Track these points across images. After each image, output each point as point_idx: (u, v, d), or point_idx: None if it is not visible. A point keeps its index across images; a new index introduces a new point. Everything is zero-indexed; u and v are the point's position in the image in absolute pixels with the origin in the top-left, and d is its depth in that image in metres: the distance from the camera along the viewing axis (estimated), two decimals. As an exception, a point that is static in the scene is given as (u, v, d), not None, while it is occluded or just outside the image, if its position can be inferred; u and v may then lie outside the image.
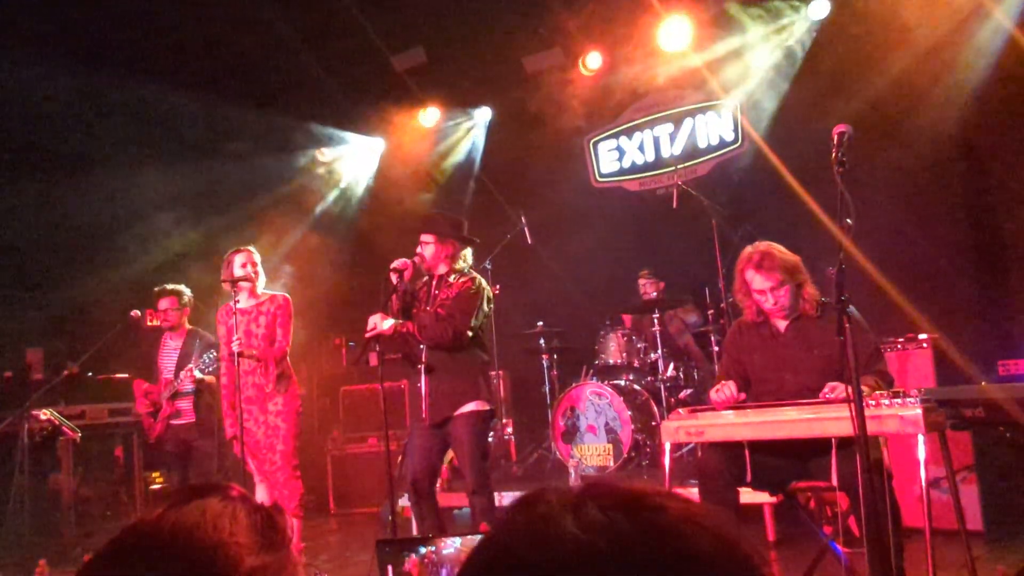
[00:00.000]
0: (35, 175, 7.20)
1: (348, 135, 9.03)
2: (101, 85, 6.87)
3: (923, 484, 2.92)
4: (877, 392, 3.04)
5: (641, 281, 6.87)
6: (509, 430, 7.08)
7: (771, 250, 3.50)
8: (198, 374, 5.34)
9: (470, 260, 4.49)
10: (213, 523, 0.84)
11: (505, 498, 5.75)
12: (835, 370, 3.19)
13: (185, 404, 5.52)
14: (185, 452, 5.52)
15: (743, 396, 3.49)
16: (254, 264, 5.08)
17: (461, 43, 7.71)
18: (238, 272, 4.98)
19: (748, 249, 3.58)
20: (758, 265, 3.47)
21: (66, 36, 6.63)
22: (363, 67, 7.90)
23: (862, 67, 6.39)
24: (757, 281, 3.49)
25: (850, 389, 2.67)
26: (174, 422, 5.50)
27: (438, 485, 6.12)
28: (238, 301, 4.93)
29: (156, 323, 7.29)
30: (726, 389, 3.47)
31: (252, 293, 5.08)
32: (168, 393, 5.48)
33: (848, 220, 2.72)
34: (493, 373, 7.12)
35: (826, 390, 3.19)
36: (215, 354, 5.26)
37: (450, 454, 4.88)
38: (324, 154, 9.04)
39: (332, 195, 9.20)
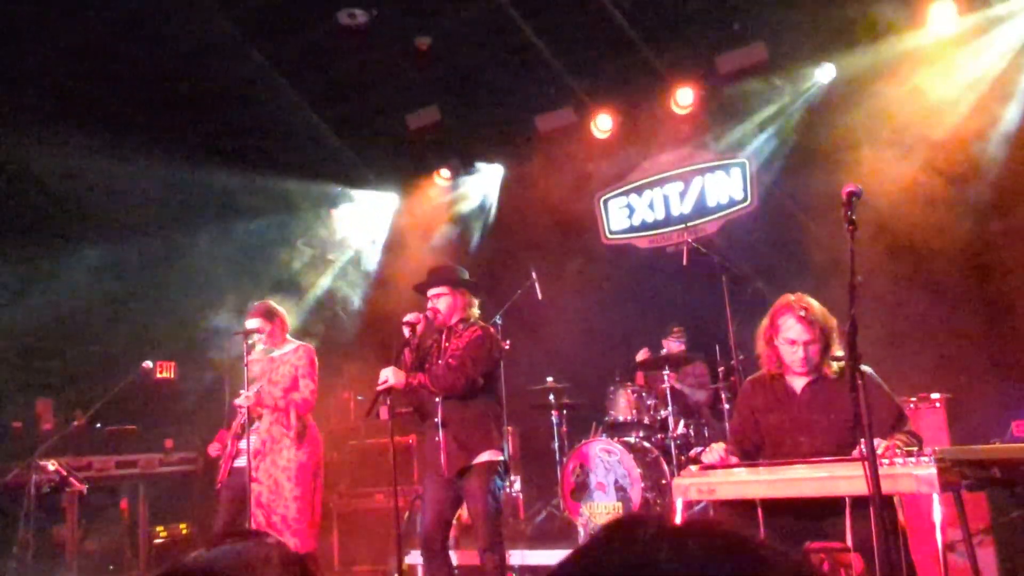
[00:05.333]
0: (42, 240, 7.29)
1: (362, 191, 9.17)
2: (116, 151, 7.01)
3: (939, 546, 2.87)
4: (897, 449, 3.00)
5: (671, 338, 6.88)
6: (517, 487, 7.00)
7: (814, 304, 3.42)
8: (241, 401, 5.24)
9: (477, 311, 4.52)
10: (248, 566, 0.85)
11: (513, 557, 5.66)
12: (853, 434, 3.11)
13: (245, 444, 5.42)
14: (236, 501, 5.34)
15: (733, 460, 3.45)
16: (272, 315, 5.12)
17: (475, 102, 7.88)
18: (251, 324, 5.03)
19: (789, 296, 3.49)
20: (800, 315, 3.37)
21: (79, 106, 6.77)
22: (377, 125, 8.07)
23: (869, 128, 6.49)
24: (794, 330, 3.39)
25: (865, 447, 2.65)
26: (236, 464, 5.39)
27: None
28: (251, 352, 4.98)
29: (167, 375, 7.33)
30: (714, 453, 3.44)
31: (275, 344, 5.11)
32: (233, 431, 5.38)
33: (859, 278, 2.73)
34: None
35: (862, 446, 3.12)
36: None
37: (460, 510, 4.83)
38: (338, 208, 9.18)
39: (345, 250, 9.31)
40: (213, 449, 5.53)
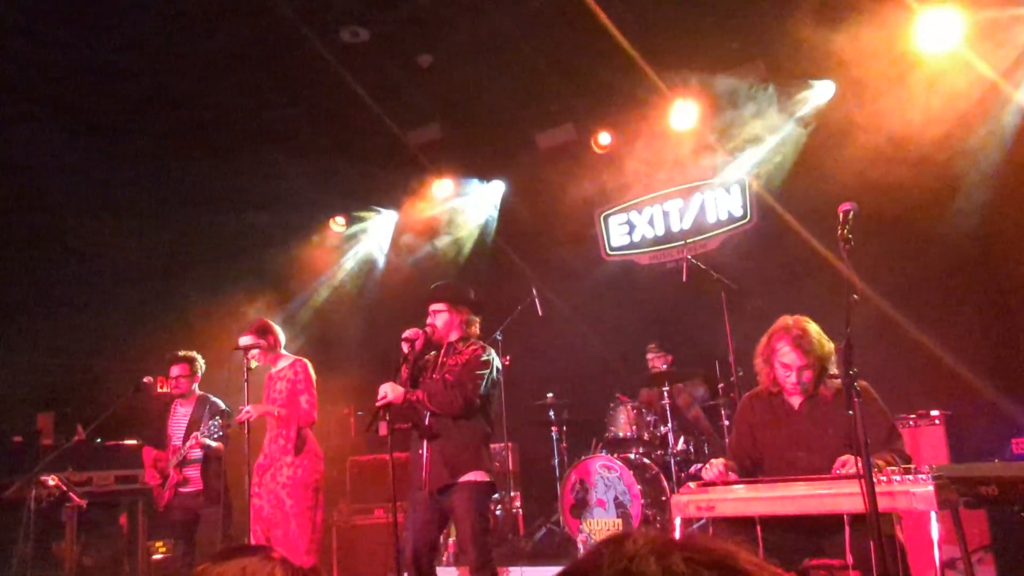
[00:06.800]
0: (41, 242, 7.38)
1: (363, 207, 9.21)
2: (113, 152, 7.10)
3: (937, 564, 2.87)
4: (889, 468, 3.01)
5: (649, 355, 6.91)
6: (517, 503, 6.99)
7: (810, 330, 3.44)
8: (204, 440, 5.36)
9: (477, 330, 4.52)
10: None
11: (512, 573, 5.65)
12: (849, 450, 3.13)
13: (193, 472, 5.51)
14: (192, 521, 5.50)
15: (732, 477, 3.46)
16: (266, 332, 5.14)
17: (475, 119, 7.93)
18: (245, 341, 5.05)
19: (787, 320, 3.52)
20: (795, 341, 3.40)
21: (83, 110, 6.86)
22: (379, 142, 8.11)
23: (869, 145, 6.51)
24: (789, 356, 3.44)
25: (860, 463, 2.66)
26: (182, 490, 5.49)
27: (444, 558, 6.04)
28: (250, 369, 5.00)
29: (166, 390, 7.34)
30: (714, 469, 3.45)
31: (270, 360, 5.13)
32: (176, 460, 5.49)
33: (855, 295, 2.76)
34: (502, 445, 7.10)
35: (837, 465, 3.16)
36: (221, 420, 5.30)
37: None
38: (339, 224, 9.22)
39: (345, 266, 9.34)
40: (151, 477, 5.60)
